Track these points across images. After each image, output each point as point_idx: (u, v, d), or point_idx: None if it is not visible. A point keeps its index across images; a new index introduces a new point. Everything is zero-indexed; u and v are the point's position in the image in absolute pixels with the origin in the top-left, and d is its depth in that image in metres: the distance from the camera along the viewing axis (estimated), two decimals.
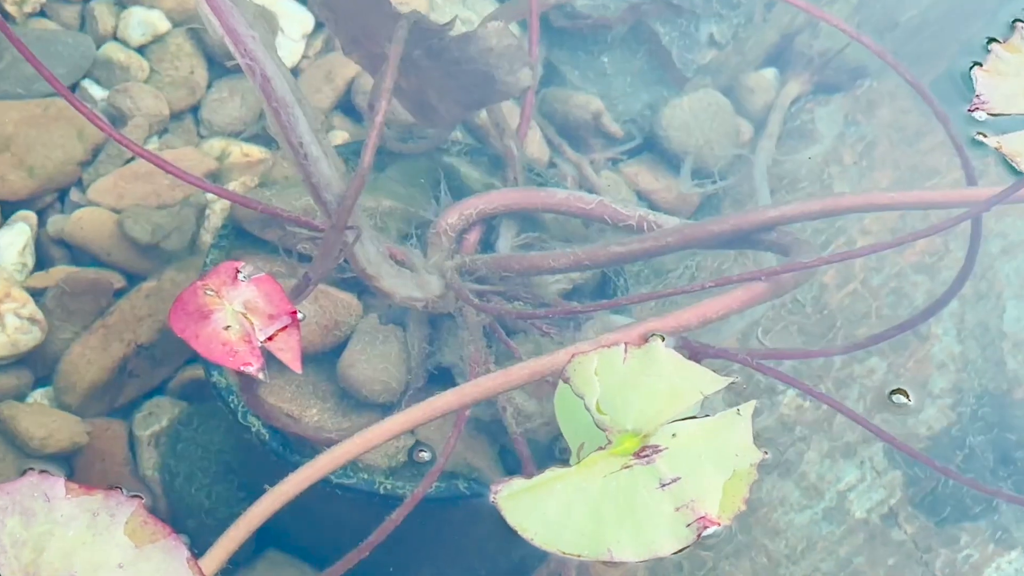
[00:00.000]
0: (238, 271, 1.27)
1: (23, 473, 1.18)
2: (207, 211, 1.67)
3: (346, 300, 1.47)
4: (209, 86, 1.77)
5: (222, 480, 1.54)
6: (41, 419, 1.54)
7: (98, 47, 1.76)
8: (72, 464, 1.55)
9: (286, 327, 1.26)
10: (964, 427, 1.68)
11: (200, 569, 1.17)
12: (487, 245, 1.54)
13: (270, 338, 1.26)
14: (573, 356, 1.27)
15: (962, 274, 1.46)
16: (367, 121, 1.47)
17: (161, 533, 1.17)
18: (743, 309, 1.40)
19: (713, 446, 1.19)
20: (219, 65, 1.78)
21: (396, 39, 1.43)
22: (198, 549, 1.21)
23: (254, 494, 1.27)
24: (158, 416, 1.58)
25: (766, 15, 1.86)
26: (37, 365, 1.59)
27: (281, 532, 1.50)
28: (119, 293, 1.62)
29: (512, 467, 1.43)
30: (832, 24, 1.69)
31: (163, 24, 1.78)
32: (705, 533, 1.15)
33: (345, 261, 1.40)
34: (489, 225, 1.55)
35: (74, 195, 1.68)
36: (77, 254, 1.64)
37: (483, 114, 1.62)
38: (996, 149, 1.28)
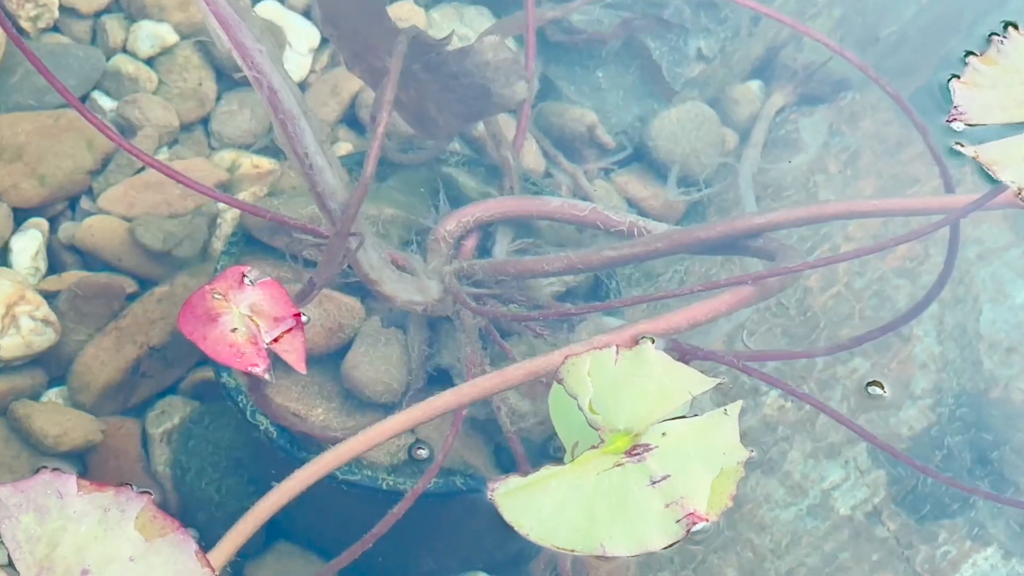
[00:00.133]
0: (245, 275, 1.27)
1: (36, 471, 1.18)
2: (219, 219, 1.67)
3: (349, 304, 1.47)
4: (219, 98, 1.77)
5: (232, 475, 1.54)
6: (56, 417, 1.54)
7: (108, 59, 1.76)
8: (86, 461, 1.55)
9: (291, 329, 1.27)
10: (943, 427, 1.68)
11: (208, 561, 1.16)
12: (484, 251, 1.54)
13: (276, 340, 1.26)
14: (566, 357, 1.27)
15: (941, 278, 1.46)
16: (370, 133, 1.47)
17: (170, 527, 1.17)
18: (731, 312, 1.41)
19: (701, 445, 1.19)
20: (228, 77, 1.77)
21: (396, 54, 1.44)
22: (209, 542, 1.21)
23: (262, 489, 1.27)
24: (170, 415, 1.58)
25: (752, 29, 1.86)
26: (51, 365, 1.59)
27: (290, 525, 1.51)
28: (132, 297, 1.62)
29: (506, 464, 1.43)
30: (815, 38, 1.69)
31: (171, 37, 1.78)
32: (694, 529, 1.15)
33: (349, 266, 1.40)
34: (486, 232, 1.55)
35: (84, 203, 1.67)
36: (88, 260, 1.64)
37: (480, 126, 1.63)
38: (973, 158, 1.28)
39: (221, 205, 1.66)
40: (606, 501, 1.16)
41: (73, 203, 1.68)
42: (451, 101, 1.53)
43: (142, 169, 1.68)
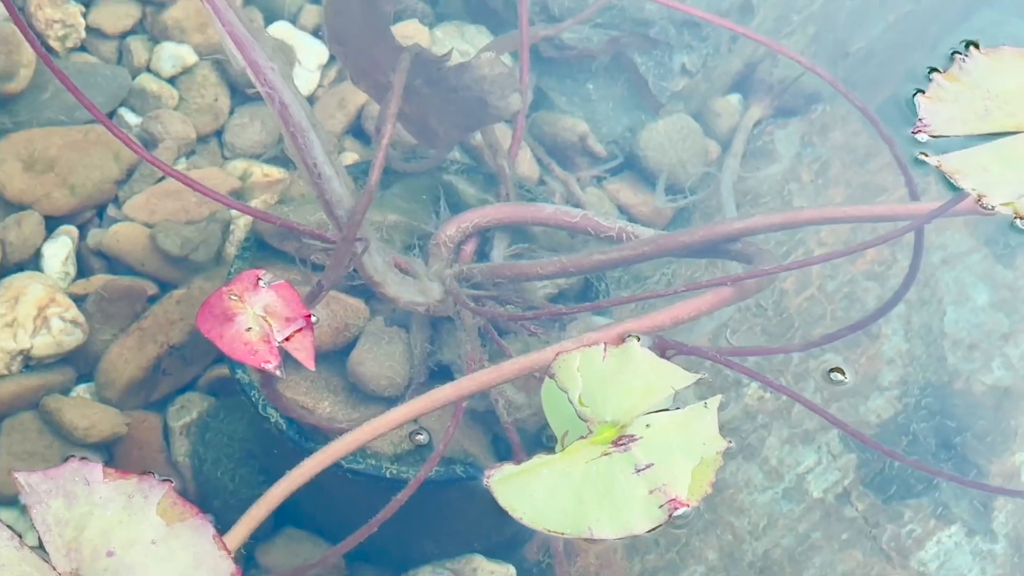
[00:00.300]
0: (259, 278, 1.28)
1: (65, 460, 1.18)
2: (231, 226, 1.66)
3: (355, 305, 1.47)
4: (232, 112, 1.77)
5: (245, 465, 1.54)
6: (84, 411, 1.54)
7: (133, 78, 1.76)
8: (112, 452, 1.55)
9: (301, 329, 1.27)
10: (909, 415, 1.68)
11: (224, 544, 1.16)
12: (482, 255, 1.54)
13: (287, 339, 1.26)
14: (558, 354, 1.27)
15: (907, 281, 1.46)
16: (374, 143, 1.47)
17: (189, 513, 1.17)
18: (712, 311, 1.41)
19: (683, 436, 1.19)
20: (241, 93, 1.77)
21: (400, 69, 1.44)
22: (224, 526, 1.21)
23: (273, 477, 1.27)
24: (189, 409, 1.58)
25: (731, 47, 1.85)
26: (80, 363, 1.58)
27: (298, 511, 1.50)
28: (153, 299, 1.61)
29: (504, 453, 1.43)
30: (788, 55, 1.69)
31: (191, 57, 1.78)
32: (675, 514, 1.15)
33: (354, 270, 1.40)
34: (484, 237, 1.55)
35: (111, 211, 1.67)
36: (114, 264, 1.64)
37: (478, 136, 1.62)
38: (937, 168, 1.28)
39: (234, 212, 1.66)
40: (594, 488, 1.17)
41: (101, 211, 1.68)
42: (451, 113, 1.53)
43: (162, 179, 1.68)
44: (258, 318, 1.26)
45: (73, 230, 1.65)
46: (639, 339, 1.29)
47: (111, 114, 1.73)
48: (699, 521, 1.58)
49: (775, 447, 1.64)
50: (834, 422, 1.44)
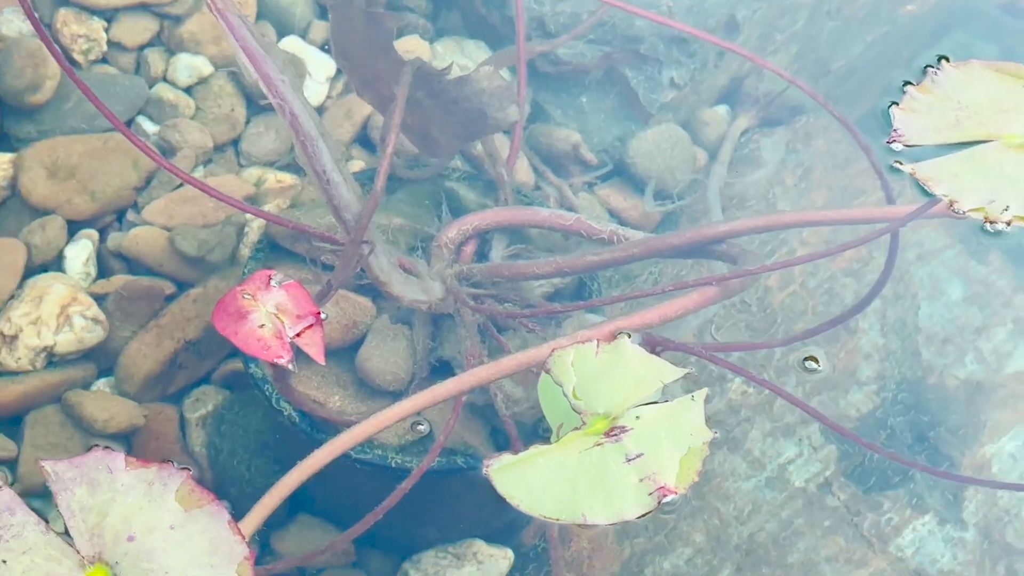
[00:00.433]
0: (271, 278, 1.27)
1: (89, 449, 1.17)
2: (246, 229, 1.66)
3: (363, 303, 1.47)
4: (247, 122, 1.76)
5: (259, 455, 1.54)
6: (104, 404, 1.54)
7: (151, 88, 1.75)
8: (131, 442, 1.55)
9: (312, 326, 1.27)
10: (886, 410, 1.68)
11: (239, 529, 1.16)
12: (482, 256, 1.54)
13: (298, 335, 1.26)
14: (553, 350, 1.27)
15: (883, 278, 1.45)
16: (379, 152, 1.46)
17: (206, 500, 1.16)
18: (698, 309, 1.40)
19: (671, 427, 1.19)
20: (256, 104, 1.77)
21: (402, 82, 1.44)
22: (239, 513, 1.21)
23: (286, 467, 1.27)
24: (205, 402, 1.58)
25: (718, 62, 1.85)
26: (100, 359, 1.59)
27: (310, 499, 1.51)
28: (170, 298, 1.61)
29: (502, 444, 1.43)
30: (772, 70, 1.69)
31: (207, 68, 1.78)
32: (664, 500, 1.15)
33: (362, 270, 1.40)
34: (483, 239, 1.55)
35: (130, 215, 1.67)
36: (133, 265, 1.64)
37: (478, 145, 1.62)
38: (911, 174, 1.28)
39: (249, 216, 1.66)
40: (587, 476, 1.16)
41: (120, 215, 1.67)
42: (452, 123, 1.53)
43: (180, 185, 1.68)
44: (271, 316, 1.26)
45: (94, 233, 1.65)
46: (630, 336, 1.29)
47: (129, 122, 1.73)
48: (686, 507, 1.58)
49: (758, 439, 1.64)
50: (815, 415, 1.44)
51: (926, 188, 1.28)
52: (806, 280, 1.74)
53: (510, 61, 1.78)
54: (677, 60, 1.84)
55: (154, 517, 1.16)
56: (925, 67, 1.35)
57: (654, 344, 1.32)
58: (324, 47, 1.83)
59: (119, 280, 1.61)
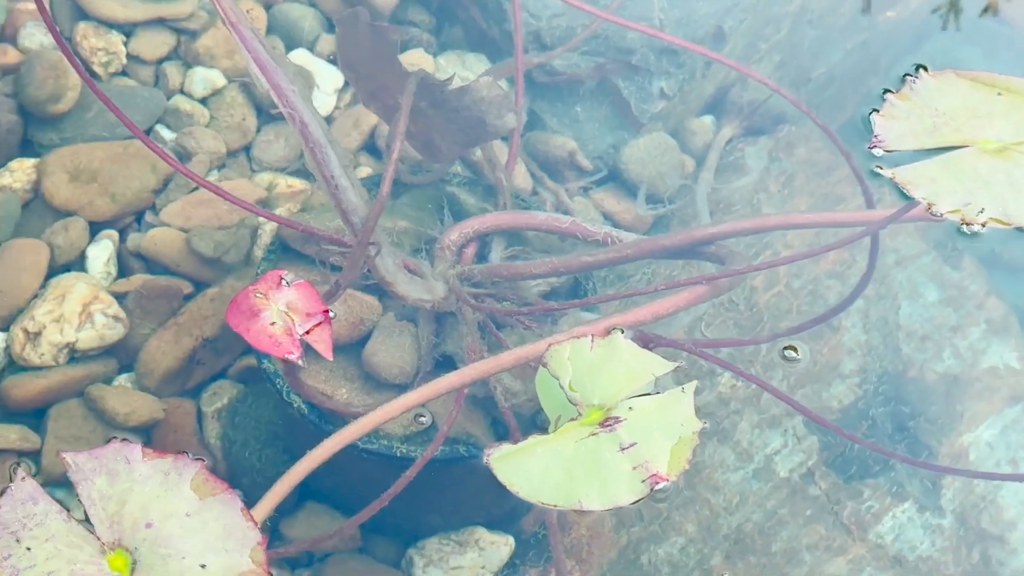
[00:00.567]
0: (282, 278, 1.27)
1: (108, 441, 1.18)
2: (259, 231, 1.66)
3: (369, 302, 1.47)
4: (258, 130, 1.76)
5: (271, 446, 1.54)
6: (125, 398, 1.53)
7: (168, 99, 1.75)
8: (150, 435, 1.54)
9: (321, 323, 1.26)
10: (868, 401, 1.68)
11: (251, 516, 1.16)
12: (482, 257, 1.54)
13: (308, 332, 1.26)
14: (550, 345, 1.27)
15: (864, 279, 1.46)
16: (385, 159, 1.47)
17: (220, 488, 1.17)
18: (688, 307, 1.41)
19: (663, 417, 1.19)
20: (266, 113, 1.77)
21: (407, 93, 1.44)
22: (251, 501, 1.21)
23: (296, 456, 1.27)
24: (220, 396, 1.58)
25: (705, 72, 1.85)
26: (121, 355, 1.58)
27: (319, 487, 1.51)
28: (188, 297, 1.61)
29: (502, 435, 1.43)
30: (757, 80, 1.69)
31: (220, 80, 1.78)
32: (656, 488, 1.15)
33: (368, 270, 1.40)
34: (484, 241, 1.54)
35: (149, 217, 1.67)
36: (152, 265, 1.63)
37: (478, 152, 1.63)
38: (891, 179, 1.28)
39: (261, 219, 1.66)
40: (583, 464, 1.16)
41: (139, 217, 1.67)
42: (453, 131, 1.53)
43: (196, 189, 1.68)
44: (282, 314, 1.26)
45: (114, 234, 1.65)
46: (623, 332, 1.29)
47: (148, 131, 1.73)
48: (679, 497, 1.58)
49: (746, 431, 1.64)
50: (799, 408, 1.44)
51: (905, 191, 1.28)
52: (790, 281, 1.74)
53: (509, 72, 1.78)
54: (667, 71, 1.84)
55: (170, 505, 1.16)
56: (904, 75, 1.35)
57: (647, 340, 1.33)
58: (331, 59, 1.83)
59: (139, 279, 1.61)
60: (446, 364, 1.44)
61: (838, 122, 1.89)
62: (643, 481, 1.15)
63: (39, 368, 1.53)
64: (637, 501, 1.15)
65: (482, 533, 1.53)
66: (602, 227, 1.52)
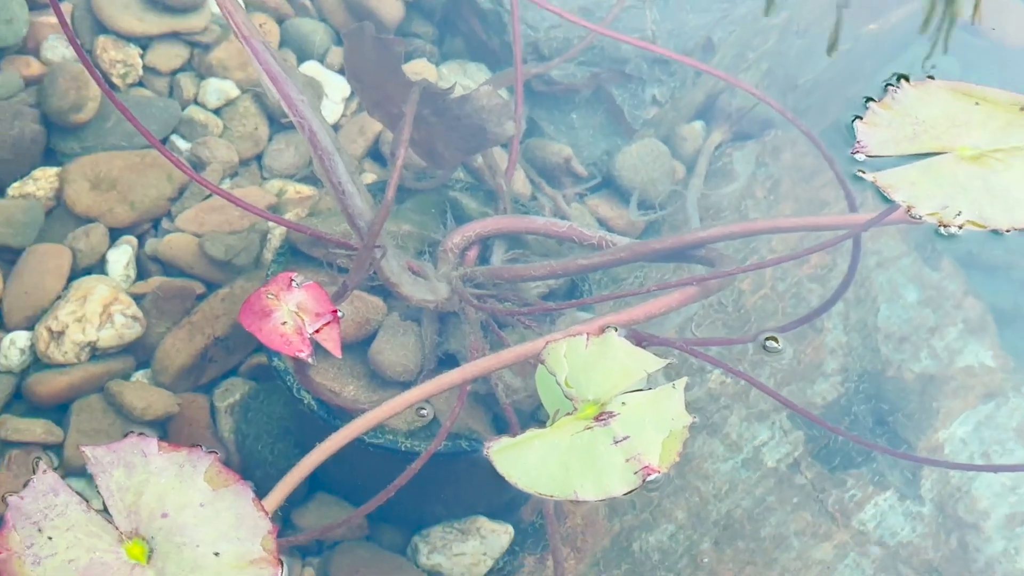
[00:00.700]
0: (292, 280, 1.28)
1: (125, 435, 1.18)
2: (269, 235, 1.66)
3: (375, 302, 1.47)
4: (270, 139, 1.76)
5: (281, 440, 1.54)
6: (142, 394, 1.54)
7: (183, 109, 1.75)
8: (166, 429, 1.54)
9: (329, 323, 1.27)
10: (850, 398, 1.68)
11: (262, 507, 1.17)
12: (483, 259, 1.54)
13: (317, 331, 1.26)
14: (548, 343, 1.27)
15: (846, 281, 1.46)
16: (390, 165, 1.47)
17: (232, 480, 1.17)
18: (679, 307, 1.41)
19: (654, 412, 1.19)
20: (277, 122, 1.77)
21: (410, 102, 1.44)
22: (263, 492, 1.21)
23: (306, 450, 1.27)
24: (232, 392, 1.58)
25: (695, 80, 1.85)
26: (139, 353, 1.58)
27: (328, 479, 1.51)
28: (201, 298, 1.61)
29: (503, 430, 1.43)
30: (744, 88, 1.69)
31: (233, 91, 1.77)
32: (648, 479, 1.15)
33: (374, 272, 1.40)
34: (485, 244, 1.54)
35: (165, 223, 1.67)
36: (168, 268, 1.64)
37: (479, 158, 1.62)
38: (872, 183, 1.28)
39: (271, 223, 1.66)
40: (578, 457, 1.17)
41: (156, 223, 1.67)
42: (455, 138, 1.53)
43: (209, 196, 1.68)
44: (292, 313, 1.26)
45: (133, 239, 1.65)
46: (617, 331, 1.29)
47: (164, 140, 1.73)
48: (669, 486, 1.58)
49: (735, 424, 1.64)
50: (786, 403, 1.44)
51: (886, 195, 1.28)
52: (776, 284, 1.74)
53: (508, 82, 1.78)
54: (659, 79, 1.84)
55: (185, 496, 1.17)
56: (886, 84, 1.36)
57: (640, 339, 1.33)
58: (340, 71, 1.83)
59: (155, 281, 1.61)
60: (448, 362, 1.44)
61: (823, 127, 1.89)
62: (635, 473, 1.15)
63: (62, 365, 1.54)
64: (630, 492, 1.15)
65: (483, 522, 1.53)
66: (597, 231, 1.52)
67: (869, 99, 1.35)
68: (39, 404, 1.53)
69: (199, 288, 1.62)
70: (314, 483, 1.51)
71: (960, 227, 1.26)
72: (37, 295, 1.57)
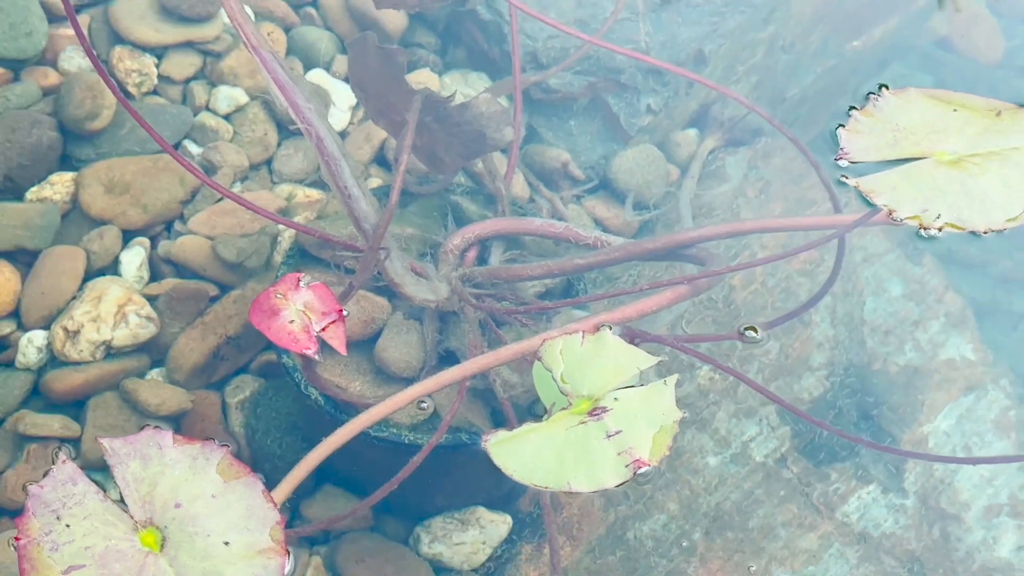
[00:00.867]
0: (300, 280, 1.27)
1: (141, 428, 1.18)
2: (278, 238, 1.66)
3: (380, 302, 1.47)
4: (279, 145, 1.76)
5: (290, 434, 1.54)
6: (156, 390, 1.54)
7: (195, 115, 1.76)
8: (179, 424, 1.55)
9: (335, 321, 1.27)
10: (836, 393, 1.68)
11: (271, 498, 1.17)
12: (482, 260, 1.54)
13: (324, 329, 1.26)
14: (544, 341, 1.27)
15: (832, 277, 1.45)
16: (394, 170, 1.46)
17: (243, 472, 1.17)
18: (671, 305, 1.40)
19: (646, 407, 1.19)
20: (286, 129, 1.77)
21: (413, 109, 1.43)
22: (272, 484, 1.20)
23: (313, 443, 1.27)
24: (243, 388, 1.58)
25: (688, 90, 1.86)
26: (153, 351, 1.59)
27: (334, 471, 1.50)
28: (214, 299, 1.61)
29: (502, 424, 1.42)
30: (736, 98, 1.69)
31: (243, 98, 1.78)
32: (639, 472, 1.15)
33: (379, 273, 1.40)
34: (484, 245, 1.55)
35: (177, 226, 1.67)
36: (181, 270, 1.64)
37: (479, 163, 1.62)
38: (855, 187, 1.28)
39: (281, 226, 1.66)
40: (572, 450, 1.16)
41: (169, 226, 1.68)
42: (455, 144, 1.52)
43: (221, 199, 1.68)
44: (300, 313, 1.26)
45: (146, 241, 1.65)
46: (611, 328, 1.29)
47: (177, 146, 1.73)
48: (661, 479, 1.58)
49: (724, 420, 1.64)
50: (773, 398, 1.43)
51: (868, 199, 1.27)
52: (766, 280, 1.74)
53: (508, 90, 1.79)
54: (653, 89, 1.84)
55: (198, 487, 1.16)
56: (868, 94, 1.36)
57: (633, 336, 1.32)
58: (346, 79, 1.83)
59: (168, 283, 1.62)
60: (449, 359, 1.44)
61: (810, 136, 1.89)
62: (627, 466, 1.15)
63: (78, 363, 1.54)
64: (621, 484, 1.15)
65: (483, 512, 1.53)
66: (592, 232, 1.52)
67: (852, 108, 1.35)
68: (56, 400, 1.53)
69: (212, 290, 1.62)
70: (321, 475, 1.50)
71: (940, 229, 1.25)
72: (53, 295, 1.57)
